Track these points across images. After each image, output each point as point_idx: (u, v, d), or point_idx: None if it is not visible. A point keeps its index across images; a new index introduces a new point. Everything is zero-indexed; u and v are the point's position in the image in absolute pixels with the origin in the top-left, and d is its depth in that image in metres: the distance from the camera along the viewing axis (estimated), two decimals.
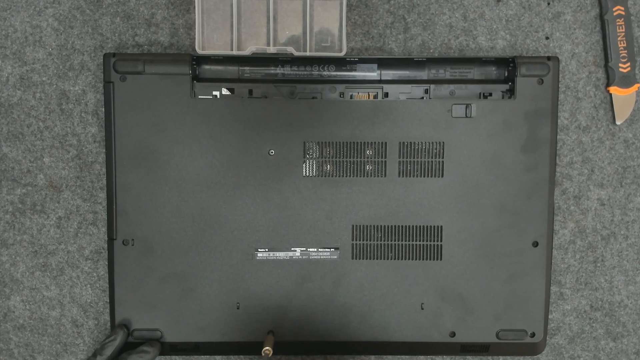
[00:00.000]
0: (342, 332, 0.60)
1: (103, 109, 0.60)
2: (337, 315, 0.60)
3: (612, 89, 0.64)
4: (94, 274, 0.64)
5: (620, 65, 0.63)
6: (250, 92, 0.59)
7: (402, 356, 0.65)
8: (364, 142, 0.59)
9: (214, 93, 0.59)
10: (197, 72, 0.60)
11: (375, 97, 0.59)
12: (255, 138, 0.59)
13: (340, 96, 0.59)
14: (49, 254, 0.64)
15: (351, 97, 0.59)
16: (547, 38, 0.64)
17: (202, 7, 0.61)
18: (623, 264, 0.65)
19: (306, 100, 0.59)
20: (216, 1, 0.62)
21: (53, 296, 0.64)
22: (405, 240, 0.60)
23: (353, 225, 0.60)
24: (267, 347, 0.56)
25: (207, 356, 0.64)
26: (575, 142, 0.64)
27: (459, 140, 0.59)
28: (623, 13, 0.63)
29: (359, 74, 0.60)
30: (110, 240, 0.59)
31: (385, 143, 0.59)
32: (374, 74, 0.61)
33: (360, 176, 0.59)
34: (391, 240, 0.60)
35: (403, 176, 0.59)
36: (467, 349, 0.61)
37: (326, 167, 0.59)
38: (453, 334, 0.61)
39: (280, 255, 0.60)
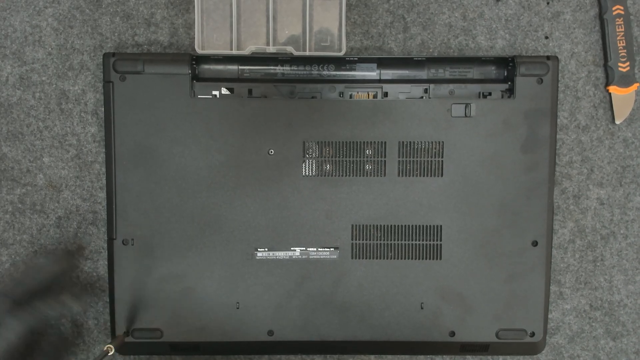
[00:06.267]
0: (342, 331, 0.60)
1: (103, 109, 0.60)
2: (336, 315, 0.60)
3: (612, 89, 0.64)
4: (94, 274, 0.64)
5: (620, 64, 0.63)
6: (250, 91, 0.59)
7: (402, 356, 0.65)
8: (364, 142, 0.59)
9: (214, 93, 0.59)
10: (196, 72, 0.60)
11: (375, 96, 0.59)
12: (255, 138, 0.59)
13: (340, 96, 0.59)
14: (49, 254, 0.64)
15: (351, 96, 0.59)
16: (546, 37, 0.64)
17: (201, 7, 0.61)
18: (622, 263, 0.65)
19: (306, 99, 0.59)
20: (216, 1, 0.62)
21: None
22: (405, 240, 0.60)
23: (353, 225, 0.60)
24: (108, 345, 0.54)
25: (207, 356, 0.64)
26: (575, 142, 0.64)
27: (458, 139, 0.59)
28: (622, 12, 0.63)
29: (358, 74, 0.60)
30: (110, 240, 0.59)
31: (385, 143, 0.59)
32: (373, 74, 0.61)
33: (360, 176, 0.59)
34: (391, 240, 0.60)
35: (403, 176, 0.59)
36: (466, 349, 0.61)
37: (326, 166, 0.59)
38: (453, 334, 0.61)
39: (280, 255, 0.60)
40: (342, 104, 0.59)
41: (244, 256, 0.59)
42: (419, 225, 0.60)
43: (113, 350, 0.54)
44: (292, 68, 0.60)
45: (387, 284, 0.60)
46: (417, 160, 0.59)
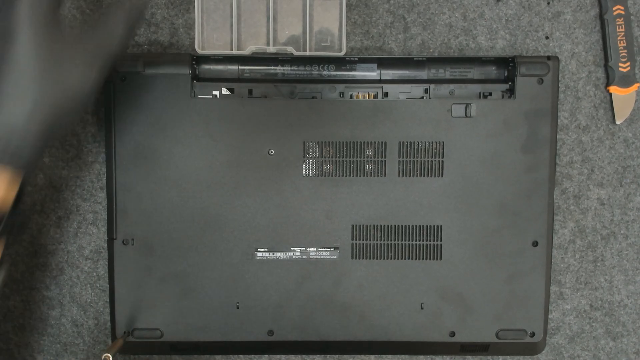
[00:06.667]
0: (342, 331, 0.60)
1: (103, 109, 0.60)
2: (336, 315, 0.60)
3: (612, 89, 0.64)
4: (94, 274, 0.64)
5: (620, 64, 0.63)
6: (250, 91, 0.59)
7: (402, 356, 0.65)
8: (364, 142, 0.59)
9: (214, 93, 0.59)
10: (196, 72, 0.59)
11: (375, 96, 0.59)
12: (255, 138, 0.59)
13: (340, 96, 0.59)
14: (49, 254, 0.64)
15: (351, 96, 0.59)
16: (547, 38, 0.64)
17: (202, 7, 0.61)
18: (623, 263, 0.65)
19: (306, 100, 0.59)
20: (216, 1, 0.62)
21: (53, 296, 0.64)
22: (405, 240, 0.60)
23: (353, 225, 0.60)
24: (106, 354, 0.53)
25: (207, 356, 0.64)
26: (575, 142, 0.64)
27: (458, 140, 0.59)
28: (623, 12, 0.63)
29: (358, 74, 0.60)
30: (110, 240, 0.59)
31: (385, 143, 0.59)
32: (373, 74, 0.61)
33: (360, 176, 0.59)
34: (391, 240, 0.60)
35: (403, 176, 0.59)
36: (466, 349, 0.61)
37: (326, 167, 0.59)
38: (453, 334, 0.61)
39: (280, 255, 0.60)
40: (343, 104, 0.59)
41: (244, 256, 0.59)
42: (419, 226, 0.60)
43: (111, 359, 0.54)
44: (293, 68, 0.60)
45: (387, 284, 0.60)
46: (417, 161, 0.59)
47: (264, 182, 0.59)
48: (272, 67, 0.60)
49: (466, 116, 0.59)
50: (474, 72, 0.60)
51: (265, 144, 0.59)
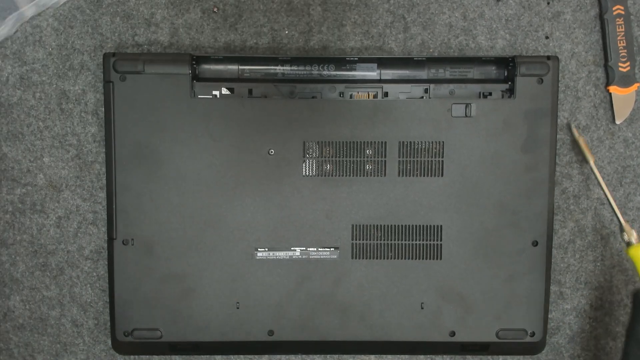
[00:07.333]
0: (342, 331, 0.60)
1: (103, 109, 0.60)
2: (336, 315, 0.60)
3: (612, 89, 0.64)
4: (94, 274, 0.64)
5: (620, 64, 0.63)
6: (250, 91, 0.59)
7: (402, 356, 0.65)
8: (364, 142, 0.59)
9: (214, 93, 0.59)
10: (196, 72, 0.60)
11: (375, 96, 0.59)
12: (255, 138, 0.59)
13: (340, 96, 0.59)
14: (49, 254, 0.64)
15: (351, 96, 0.59)
16: (546, 37, 0.64)
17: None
18: (623, 263, 0.65)
19: (306, 99, 0.59)
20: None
21: (53, 296, 0.64)
22: (405, 240, 0.60)
23: (353, 225, 0.60)
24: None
25: (207, 356, 0.64)
26: (575, 142, 0.64)
27: (458, 139, 0.59)
28: (623, 12, 0.63)
29: (358, 74, 0.60)
30: (110, 240, 0.59)
31: (385, 142, 0.59)
32: (373, 74, 0.61)
33: (360, 176, 0.59)
34: (391, 240, 0.60)
35: (403, 176, 0.59)
36: (466, 349, 0.61)
37: (326, 166, 0.59)
38: (453, 334, 0.61)
39: (280, 254, 0.60)
40: (343, 104, 0.59)
41: (244, 256, 0.59)
42: (419, 225, 0.60)
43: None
44: (293, 68, 0.60)
45: (387, 284, 0.60)
46: (417, 160, 0.59)
47: (264, 182, 0.59)
48: (272, 67, 0.60)
49: (466, 116, 0.59)
50: (474, 72, 0.60)
51: (265, 144, 0.59)
